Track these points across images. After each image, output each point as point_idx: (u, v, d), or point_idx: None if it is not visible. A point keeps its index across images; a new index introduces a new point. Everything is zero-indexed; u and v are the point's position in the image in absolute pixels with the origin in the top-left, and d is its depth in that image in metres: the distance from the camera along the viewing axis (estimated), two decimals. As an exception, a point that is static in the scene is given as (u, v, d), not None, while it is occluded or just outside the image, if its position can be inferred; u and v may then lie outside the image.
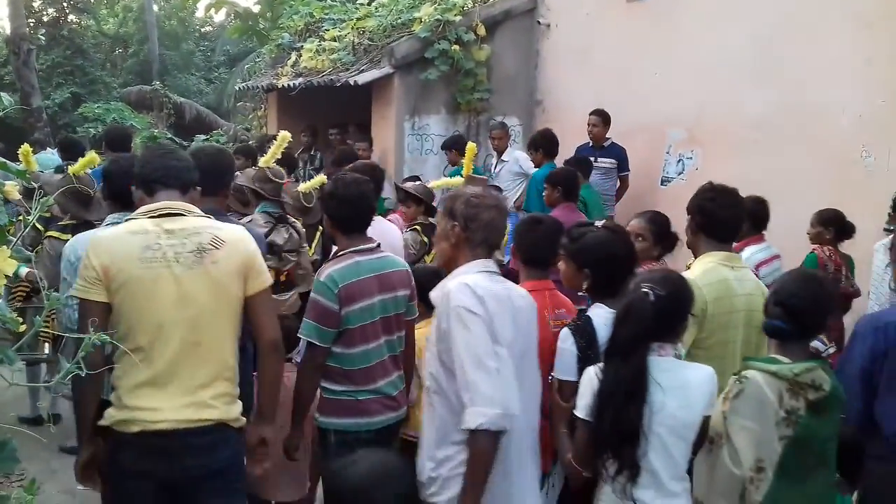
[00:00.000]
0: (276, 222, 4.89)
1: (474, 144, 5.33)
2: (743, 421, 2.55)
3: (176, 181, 2.79)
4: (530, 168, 7.55)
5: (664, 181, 7.75)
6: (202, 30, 30.49)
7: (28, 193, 4.11)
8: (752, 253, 4.65)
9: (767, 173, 6.18)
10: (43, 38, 22.76)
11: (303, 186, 5.52)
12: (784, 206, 5.19)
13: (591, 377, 2.57)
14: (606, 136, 7.64)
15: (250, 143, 10.00)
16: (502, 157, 8.10)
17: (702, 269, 3.24)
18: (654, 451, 2.46)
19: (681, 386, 2.50)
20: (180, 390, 2.54)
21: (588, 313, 2.92)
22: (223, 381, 2.66)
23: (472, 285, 2.57)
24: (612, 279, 2.92)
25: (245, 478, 2.83)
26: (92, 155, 4.94)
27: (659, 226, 3.91)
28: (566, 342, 2.84)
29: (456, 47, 8.63)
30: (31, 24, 21.83)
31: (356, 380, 3.24)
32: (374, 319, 3.23)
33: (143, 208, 2.72)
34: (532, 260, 3.23)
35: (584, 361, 2.74)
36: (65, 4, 23.87)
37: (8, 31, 19.43)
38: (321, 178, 5.41)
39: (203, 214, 2.80)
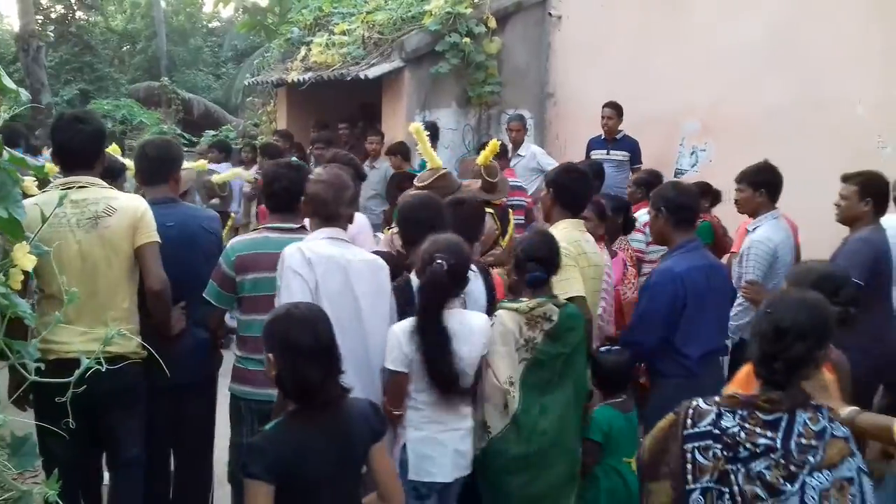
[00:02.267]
0: None
1: (497, 141, 5.20)
2: (497, 347, 3.24)
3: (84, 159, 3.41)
4: (548, 163, 7.48)
5: (678, 173, 7.71)
6: (210, 25, 30.48)
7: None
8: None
9: (782, 164, 6.11)
10: (52, 34, 22.83)
11: (216, 178, 6.17)
12: (799, 197, 5.14)
13: (398, 334, 3.07)
14: (619, 128, 7.59)
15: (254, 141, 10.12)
16: (518, 152, 7.92)
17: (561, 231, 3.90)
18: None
19: (469, 332, 3.12)
20: (84, 328, 3.10)
21: (409, 275, 3.41)
22: (119, 321, 3.25)
23: (303, 248, 3.06)
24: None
25: (142, 402, 3.45)
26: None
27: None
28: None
29: (467, 40, 8.60)
30: (40, 21, 21.88)
31: (248, 347, 3.48)
32: (269, 293, 3.29)
33: (56, 181, 3.42)
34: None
35: (402, 316, 3.24)
36: (73, 1, 23.91)
37: (17, 28, 19.46)
38: (236, 170, 6.14)
39: (105, 186, 3.42)
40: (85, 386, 1.82)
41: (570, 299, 3.50)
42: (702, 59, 7.35)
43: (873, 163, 5.89)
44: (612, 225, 4.80)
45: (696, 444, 2.24)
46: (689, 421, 2.28)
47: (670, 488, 2.28)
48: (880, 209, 4.31)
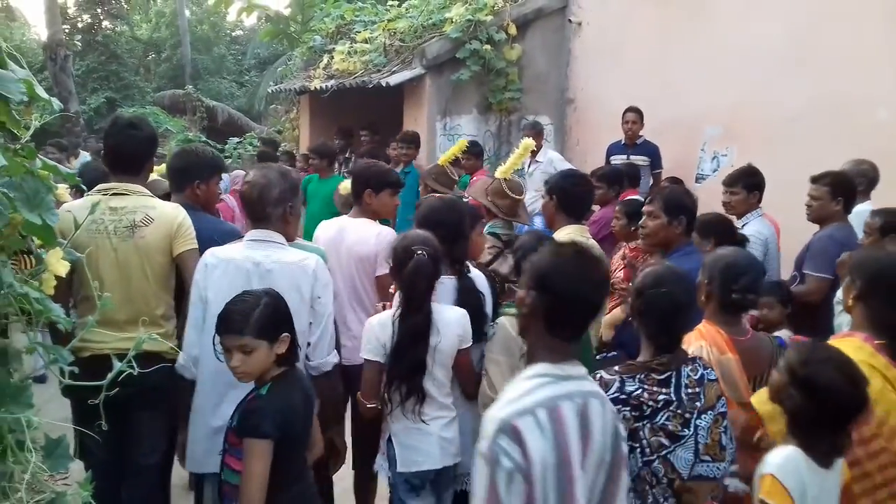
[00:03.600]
0: (503, 247, 4.34)
1: (531, 140, 5.15)
2: (494, 356, 3.19)
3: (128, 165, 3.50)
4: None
5: (699, 178, 7.69)
6: (233, 34, 30.78)
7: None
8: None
9: (804, 169, 6.08)
10: (79, 43, 23.16)
11: None
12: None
13: (374, 325, 3.14)
14: (640, 133, 7.60)
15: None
16: (536, 158, 7.92)
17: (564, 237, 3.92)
18: (428, 377, 3.11)
19: (445, 324, 3.11)
20: (118, 329, 3.12)
21: None
22: (151, 325, 3.36)
23: (210, 251, 3.15)
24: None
25: (170, 400, 3.37)
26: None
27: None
28: None
29: (487, 47, 8.65)
30: (67, 31, 22.19)
31: None
32: None
33: (97, 186, 3.44)
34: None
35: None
36: (99, 11, 24.25)
37: (45, 38, 19.76)
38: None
39: (146, 194, 3.48)
40: (117, 388, 1.86)
41: None
42: (722, 62, 7.34)
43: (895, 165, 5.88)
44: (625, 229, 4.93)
45: None
46: None
47: None
48: (848, 207, 4.53)
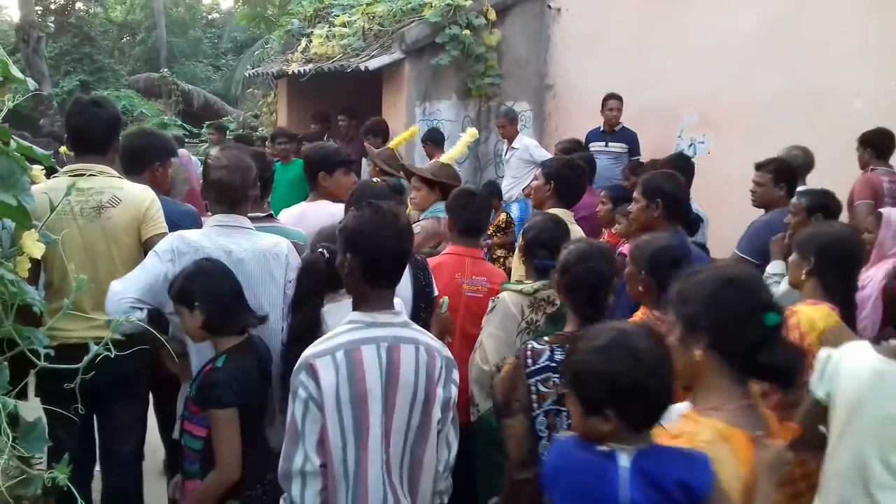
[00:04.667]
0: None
1: (475, 130, 5.33)
2: (492, 329, 3.29)
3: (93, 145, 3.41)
4: (541, 156, 7.52)
5: (676, 165, 7.73)
6: (209, 17, 30.49)
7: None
8: None
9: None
10: (52, 25, 22.81)
11: None
12: (798, 189, 5.18)
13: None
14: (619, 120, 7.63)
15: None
16: (512, 145, 8.04)
17: None
18: None
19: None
20: (84, 317, 2.95)
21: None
22: None
23: (179, 236, 3.03)
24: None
25: (145, 387, 3.50)
26: None
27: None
28: None
29: (467, 32, 8.62)
30: (40, 12, 21.84)
31: None
32: None
33: (63, 168, 3.38)
34: (464, 229, 3.73)
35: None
36: (73, -8, 23.90)
37: (17, 19, 19.45)
38: None
39: (113, 174, 3.38)
40: (93, 372, 1.85)
41: None
42: (701, 51, 7.37)
43: (870, 155, 5.94)
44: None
45: (539, 378, 2.66)
46: (529, 360, 2.69)
47: (524, 418, 2.65)
48: (791, 193, 4.57)
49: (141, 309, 2.88)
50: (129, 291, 2.92)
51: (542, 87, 9.54)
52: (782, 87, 6.63)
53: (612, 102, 7.56)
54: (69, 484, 1.68)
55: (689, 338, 1.92)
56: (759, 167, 4.71)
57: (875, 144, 5.55)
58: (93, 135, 3.40)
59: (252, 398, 2.75)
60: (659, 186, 3.85)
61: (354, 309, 2.34)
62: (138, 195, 3.38)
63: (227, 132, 11.28)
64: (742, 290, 1.90)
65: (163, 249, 3.00)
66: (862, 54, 6.09)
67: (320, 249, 2.96)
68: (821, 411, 2.34)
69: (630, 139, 7.57)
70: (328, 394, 2.19)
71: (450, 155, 5.01)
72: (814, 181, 5.11)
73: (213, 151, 3.31)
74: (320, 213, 3.92)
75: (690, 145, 7.67)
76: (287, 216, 4.02)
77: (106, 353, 1.85)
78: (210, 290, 2.78)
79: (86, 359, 1.87)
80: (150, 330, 2.50)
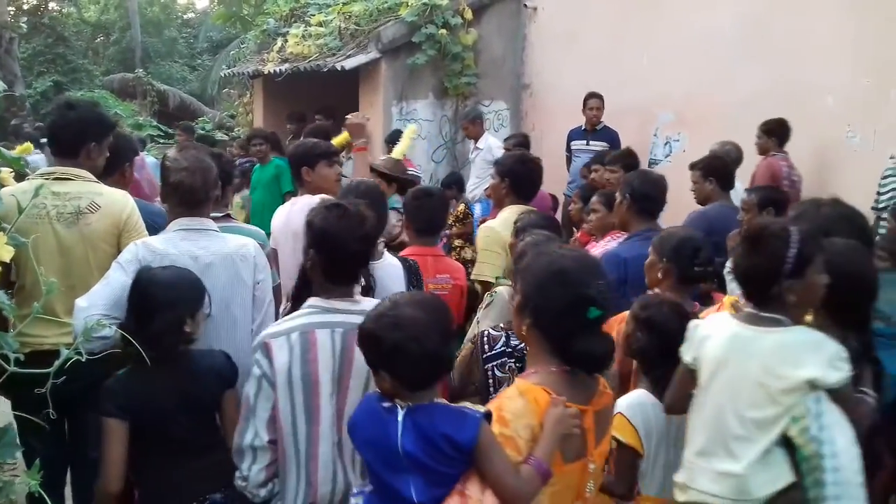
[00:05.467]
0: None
1: (415, 126, 5.52)
2: (490, 323, 3.23)
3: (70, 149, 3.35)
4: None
5: (651, 163, 7.78)
6: (185, 16, 30.26)
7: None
8: None
9: (753, 155, 6.23)
10: (24, 26, 22.49)
11: None
12: (771, 186, 5.23)
13: None
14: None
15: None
16: (477, 145, 8.04)
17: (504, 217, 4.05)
18: None
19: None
20: (57, 322, 2.92)
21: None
22: None
23: (143, 244, 2.97)
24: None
25: None
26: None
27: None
28: None
29: (443, 31, 8.63)
30: (12, 13, 21.57)
31: None
32: None
33: (39, 171, 3.38)
34: (421, 229, 3.77)
35: None
36: (45, -9, 23.62)
37: (-12, 20, 19.19)
38: None
39: (91, 179, 3.32)
40: (63, 377, 1.81)
41: (480, 283, 3.85)
42: (676, 50, 7.42)
43: (842, 152, 6.04)
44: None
45: (495, 363, 2.82)
46: (486, 346, 2.85)
47: (479, 401, 2.62)
48: (725, 185, 4.95)
49: (109, 326, 2.75)
50: (95, 307, 2.84)
51: (518, 86, 9.57)
52: (756, 86, 6.68)
53: (592, 101, 7.60)
54: (41, 490, 1.66)
55: (521, 312, 2.09)
56: (692, 167, 5.03)
57: (778, 133, 6.06)
58: (62, 137, 3.37)
59: (148, 418, 2.64)
60: (628, 183, 3.95)
61: (315, 295, 2.42)
62: (118, 202, 3.35)
63: (195, 133, 11.29)
64: (568, 283, 1.99)
65: (126, 260, 2.93)
66: (834, 52, 6.15)
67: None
68: (690, 375, 2.52)
69: (612, 138, 7.60)
70: (280, 373, 2.27)
71: (398, 150, 5.24)
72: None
73: (171, 153, 3.20)
74: (305, 208, 3.91)
75: (666, 143, 7.72)
76: (277, 216, 3.98)
77: (77, 357, 1.82)
78: (132, 306, 2.74)
79: (56, 363, 1.85)
80: (120, 343, 2.47)
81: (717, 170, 4.95)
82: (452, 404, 2.08)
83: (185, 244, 2.95)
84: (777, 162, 5.93)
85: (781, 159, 5.94)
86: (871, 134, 5.90)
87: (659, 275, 3.07)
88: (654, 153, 7.82)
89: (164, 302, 2.67)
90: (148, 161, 8.25)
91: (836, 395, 2.29)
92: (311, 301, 2.40)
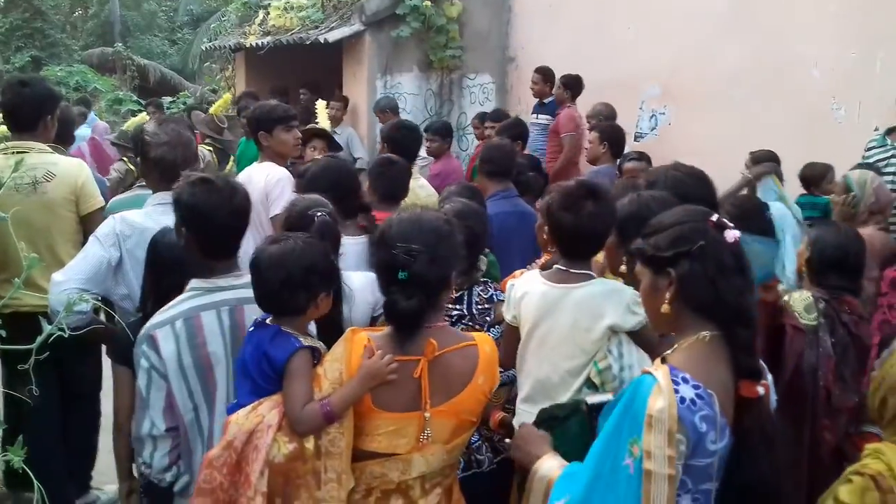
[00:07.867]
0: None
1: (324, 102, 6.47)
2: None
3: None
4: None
5: (637, 137, 7.77)
6: (164, -11, 29.74)
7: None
8: None
9: (739, 127, 6.23)
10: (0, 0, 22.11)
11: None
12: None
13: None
14: (551, 93, 7.56)
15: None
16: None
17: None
18: None
19: (348, 292, 2.93)
20: (35, 285, 3.02)
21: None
22: None
23: (121, 218, 2.99)
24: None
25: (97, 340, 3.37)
26: None
27: None
28: None
29: (427, 3, 8.52)
30: (-13, -14, 21.20)
31: None
32: None
33: None
34: (384, 194, 3.78)
35: None
36: (21, -36, 23.14)
37: (-37, -7, 18.85)
38: None
39: (46, 150, 3.56)
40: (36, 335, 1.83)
41: None
42: (662, 23, 7.39)
43: (828, 124, 6.05)
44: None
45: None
46: None
47: None
48: (616, 152, 5.48)
49: (87, 301, 2.74)
50: (72, 282, 2.87)
51: (504, 59, 9.49)
52: (742, 59, 6.67)
53: (533, 76, 7.68)
54: (24, 466, 1.65)
55: None
56: (591, 129, 5.74)
57: (572, 86, 7.09)
58: (21, 114, 3.58)
59: None
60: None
61: (196, 276, 2.40)
62: (73, 170, 3.60)
63: (164, 109, 11.37)
64: (385, 247, 2.10)
65: (104, 234, 2.95)
66: (819, 26, 6.15)
67: (319, 213, 2.74)
68: (514, 332, 2.71)
69: (553, 111, 7.50)
70: (170, 362, 2.28)
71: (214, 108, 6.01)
72: (775, 148, 5.16)
73: (149, 127, 3.26)
74: (255, 176, 3.93)
75: (651, 116, 7.70)
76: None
77: (60, 333, 1.81)
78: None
79: (39, 339, 1.83)
80: (97, 319, 2.47)
81: (611, 136, 5.51)
82: (299, 333, 2.18)
83: (163, 218, 2.89)
84: (575, 111, 7.06)
85: (575, 110, 7.07)
86: (856, 106, 5.91)
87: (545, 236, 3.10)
88: (640, 126, 7.81)
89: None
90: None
91: (637, 336, 2.49)
92: (193, 283, 2.37)
